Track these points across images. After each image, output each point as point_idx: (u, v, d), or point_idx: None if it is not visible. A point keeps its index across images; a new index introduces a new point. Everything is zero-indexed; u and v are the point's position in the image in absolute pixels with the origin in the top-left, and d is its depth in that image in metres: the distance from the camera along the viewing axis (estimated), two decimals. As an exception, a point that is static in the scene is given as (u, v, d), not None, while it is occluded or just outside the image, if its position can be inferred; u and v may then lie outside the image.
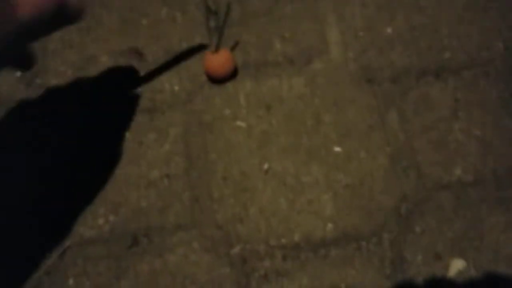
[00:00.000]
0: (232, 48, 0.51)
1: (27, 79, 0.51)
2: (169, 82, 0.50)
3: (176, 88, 0.50)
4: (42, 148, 0.47)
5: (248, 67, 0.51)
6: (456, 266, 0.42)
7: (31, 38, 0.30)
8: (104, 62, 0.52)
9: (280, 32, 0.53)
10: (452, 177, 0.46)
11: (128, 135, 0.48)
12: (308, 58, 0.51)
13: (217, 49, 0.48)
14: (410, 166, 0.46)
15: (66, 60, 0.52)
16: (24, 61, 0.33)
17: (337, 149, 0.47)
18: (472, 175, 0.46)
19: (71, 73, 0.51)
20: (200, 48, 0.52)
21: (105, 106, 0.49)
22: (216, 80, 0.49)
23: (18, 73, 0.51)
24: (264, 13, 0.54)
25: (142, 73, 0.51)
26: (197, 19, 0.54)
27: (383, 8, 0.53)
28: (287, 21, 0.53)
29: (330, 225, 0.44)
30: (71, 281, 0.43)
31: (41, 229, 0.44)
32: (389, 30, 0.52)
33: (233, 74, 0.50)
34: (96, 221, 0.45)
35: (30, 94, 0.50)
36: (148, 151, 0.47)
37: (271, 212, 0.44)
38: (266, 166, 0.46)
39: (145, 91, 0.50)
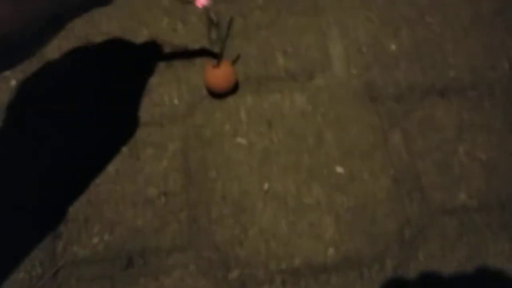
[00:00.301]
0: (234, 62, 0.50)
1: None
2: (168, 94, 0.49)
3: (176, 101, 0.49)
4: (36, 163, 0.45)
5: (250, 81, 0.50)
6: (459, 294, 0.42)
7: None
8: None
9: (283, 46, 0.51)
10: (456, 201, 0.45)
11: (125, 149, 0.46)
12: (310, 73, 0.50)
13: (218, 62, 0.46)
14: (414, 189, 0.45)
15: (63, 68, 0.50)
16: None
17: (340, 169, 0.45)
18: (477, 200, 0.45)
19: (62, 79, 0.49)
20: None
21: (101, 117, 0.47)
22: (217, 94, 0.48)
23: (13, 82, 0.49)
24: (266, 26, 0.52)
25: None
26: (199, 30, 0.52)
27: (388, 24, 0.52)
28: (290, 34, 0.52)
29: (331, 250, 0.42)
30: (63, 302, 0.41)
31: (33, 244, 0.43)
32: (393, 46, 0.51)
33: (234, 88, 0.48)
34: (90, 240, 0.43)
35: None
36: (146, 167, 0.46)
37: (271, 235, 0.43)
38: (266, 185, 0.45)
39: (143, 103, 0.48)
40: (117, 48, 0.51)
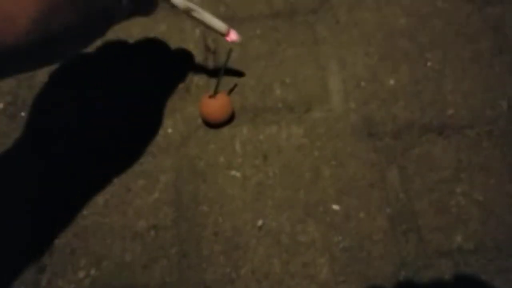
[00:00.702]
0: (230, 92, 0.49)
1: (11, 112, 0.48)
2: (162, 124, 0.48)
3: (170, 130, 0.48)
4: (22, 191, 0.44)
5: (246, 111, 0.49)
6: None
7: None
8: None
9: (281, 77, 0.51)
10: (452, 244, 0.44)
11: (115, 180, 0.45)
12: (308, 105, 0.49)
13: (215, 93, 0.45)
14: (410, 230, 0.44)
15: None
16: None
17: (336, 207, 0.44)
18: (473, 243, 0.44)
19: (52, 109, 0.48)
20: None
21: (91, 145, 0.46)
22: (212, 124, 0.47)
23: (1, 105, 0.48)
24: (265, 56, 0.52)
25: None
26: (195, 57, 0.51)
27: (387, 59, 0.52)
28: (288, 65, 0.51)
29: (325, 292, 0.41)
30: None
31: (16, 276, 0.41)
32: (392, 81, 0.51)
33: (230, 119, 0.47)
34: (76, 274, 0.42)
35: (14, 127, 0.47)
36: (136, 199, 0.45)
37: (264, 274, 0.42)
38: (260, 222, 0.44)
39: (136, 131, 0.47)
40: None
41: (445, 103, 0.50)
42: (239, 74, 0.50)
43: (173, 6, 0.37)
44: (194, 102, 0.49)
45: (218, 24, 0.40)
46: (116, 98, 0.49)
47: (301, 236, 0.44)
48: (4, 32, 0.23)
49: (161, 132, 0.48)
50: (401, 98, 0.50)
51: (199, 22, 0.40)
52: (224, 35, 0.41)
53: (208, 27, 0.41)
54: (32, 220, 0.43)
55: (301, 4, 0.55)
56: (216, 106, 0.46)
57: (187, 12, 0.38)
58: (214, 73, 0.51)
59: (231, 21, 0.54)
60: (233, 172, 0.46)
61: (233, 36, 0.42)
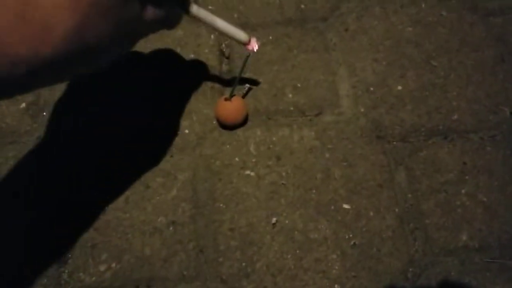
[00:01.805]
0: (244, 95, 0.51)
1: (34, 112, 0.50)
2: (179, 124, 0.50)
3: (187, 131, 0.50)
4: (46, 188, 0.46)
5: (259, 114, 0.51)
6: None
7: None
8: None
9: (293, 81, 0.53)
10: (458, 242, 0.46)
11: (135, 177, 0.47)
12: (319, 109, 0.51)
13: (230, 96, 0.47)
14: (418, 228, 0.46)
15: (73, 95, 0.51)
16: None
17: (346, 206, 0.46)
18: (478, 242, 0.46)
19: (73, 109, 0.50)
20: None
21: (112, 144, 0.48)
22: (227, 126, 0.49)
23: (24, 105, 0.50)
24: (277, 61, 0.54)
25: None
26: (210, 62, 0.54)
27: (394, 65, 0.54)
28: (300, 70, 0.53)
29: (337, 286, 0.43)
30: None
31: (39, 270, 0.44)
32: (399, 87, 0.53)
33: (244, 121, 0.49)
34: (97, 267, 0.43)
35: (36, 126, 0.49)
36: (155, 196, 0.46)
37: (278, 269, 0.44)
38: (274, 219, 0.46)
39: (154, 132, 0.49)
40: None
41: (450, 108, 0.52)
42: (253, 81, 0.52)
43: (194, 18, 0.39)
44: (210, 105, 0.51)
45: (239, 33, 0.42)
46: (135, 101, 0.51)
47: (313, 233, 0.45)
48: (41, 42, 0.24)
49: (178, 133, 0.50)
50: (408, 103, 0.52)
51: (219, 32, 0.41)
52: (245, 44, 0.43)
53: (229, 36, 0.42)
54: (55, 215, 0.45)
55: (312, 12, 0.57)
56: (232, 109, 0.48)
57: (207, 23, 0.40)
58: (228, 77, 0.52)
59: (245, 27, 0.56)
60: (248, 172, 0.48)
61: (254, 44, 0.43)
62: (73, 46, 0.26)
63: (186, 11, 0.37)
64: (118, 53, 0.31)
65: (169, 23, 0.37)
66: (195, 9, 0.37)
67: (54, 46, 0.25)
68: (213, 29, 0.40)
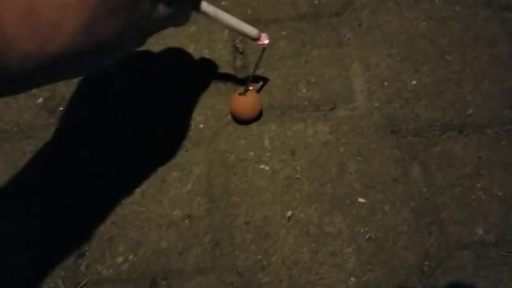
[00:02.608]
0: (259, 90, 0.51)
1: (50, 107, 0.50)
2: (194, 119, 0.50)
3: (201, 126, 0.50)
4: (64, 181, 0.46)
5: (274, 109, 0.51)
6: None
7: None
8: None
9: (306, 77, 0.53)
10: (474, 236, 0.46)
11: (151, 172, 0.47)
12: (333, 104, 0.51)
13: (245, 91, 0.47)
14: (433, 222, 0.46)
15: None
16: None
17: (361, 200, 0.46)
18: (493, 236, 0.46)
19: (90, 104, 0.50)
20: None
21: (128, 139, 0.49)
22: (242, 121, 0.49)
23: (41, 100, 0.51)
24: (290, 56, 0.54)
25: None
26: (224, 57, 0.54)
27: (408, 60, 0.54)
28: (314, 66, 0.54)
29: (353, 279, 0.43)
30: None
31: (57, 262, 0.45)
32: (414, 82, 0.53)
33: (258, 116, 0.50)
34: (114, 259, 0.44)
35: (53, 121, 0.50)
36: (171, 190, 0.47)
37: (293, 262, 0.44)
38: (289, 213, 0.46)
39: (169, 126, 0.49)
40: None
41: (465, 103, 0.52)
42: (266, 77, 0.52)
43: (204, 14, 0.39)
44: (224, 100, 0.51)
45: (249, 29, 0.42)
46: (150, 96, 0.51)
47: (328, 227, 0.45)
48: (49, 39, 0.24)
49: (193, 127, 0.50)
50: (423, 97, 0.52)
51: (230, 28, 0.41)
52: (256, 39, 0.43)
53: (240, 32, 0.42)
54: (73, 208, 0.46)
55: (325, 7, 0.58)
56: (247, 103, 0.48)
57: (218, 19, 0.40)
58: (242, 72, 0.53)
59: (258, 23, 0.56)
60: (263, 166, 0.48)
61: (264, 39, 0.43)
62: (82, 43, 0.26)
63: (196, 7, 0.37)
64: (129, 50, 0.31)
65: (180, 20, 0.37)
66: (205, 5, 0.38)
67: (62, 43, 0.25)
68: (223, 25, 0.40)
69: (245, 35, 0.42)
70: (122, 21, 0.28)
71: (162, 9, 0.32)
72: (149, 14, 0.31)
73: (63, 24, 0.24)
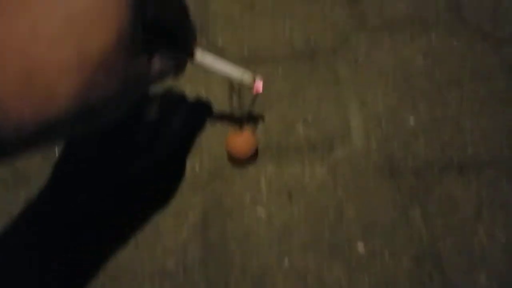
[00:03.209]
0: (255, 130, 0.50)
1: (45, 153, 0.49)
2: (190, 161, 0.49)
3: (197, 168, 0.49)
4: (58, 226, 0.45)
5: (270, 150, 0.50)
6: None
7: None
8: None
9: (303, 115, 0.52)
10: (476, 284, 0.45)
11: (145, 219, 0.46)
12: (330, 144, 0.51)
13: (240, 130, 0.47)
14: (434, 270, 0.45)
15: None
16: None
17: (360, 246, 0.45)
18: (496, 283, 0.44)
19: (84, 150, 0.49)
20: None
21: (122, 184, 0.48)
22: (238, 161, 0.48)
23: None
24: (287, 95, 0.53)
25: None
26: (220, 97, 0.53)
27: (406, 98, 0.53)
28: (310, 104, 0.53)
29: (353, 332, 0.42)
30: None
31: None
32: (411, 120, 0.52)
33: (254, 156, 0.49)
34: (106, 313, 0.42)
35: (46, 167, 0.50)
36: (165, 238, 0.46)
37: (292, 313, 0.42)
38: (286, 260, 0.45)
39: (165, 170, 0.48)
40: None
41: (464, 141, 0.51)
42: (260, 117, 0.51)
43: (200, 65, 0.39)
44: (221, 140, 0.50)
45: (244, 77, 0.42)
46: (144, 138, 0.50)
47: (326, 275, 0.44)
48: (46, 105, 0.24)
49: (189, 170, 0.49)
50: (421, 136, 0.51)
51: (225, 75, 0.41)
52: (250, 86, 0.42)
53: (234, 80, 0.42)
54: (64, 257, 0.44)
55: (321, 44, 0.57)
56: (242, 142, 0.47)
57: (212, 68, 0.39)
58: (238, 111, 0.52)
59: (254, 62, 0.55)
60: (259, 211, 0.47)
61: (259, 85, 0.43)
62: (78, 106, 0.25)
63: (191, 56, 0.37)
64: (125, 107, 0.31)
65: (176, 71, 0.37)
66: (200, 55, 0.37)
67: (59, 108, 0.24)
68: (218, 72, 0.39)
69: (240, 83, 0.41)
70: (120, 81, 0.28)
71: (157, 63, 0.31)
72: (145, 69, 0.30)
73: (59, 89, 0.24)
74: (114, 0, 0.25)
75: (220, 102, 0.53)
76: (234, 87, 0.54)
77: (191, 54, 0.37)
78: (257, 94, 0.44)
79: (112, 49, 0.26)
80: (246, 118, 0.46)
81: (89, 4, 0.24)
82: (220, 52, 0.56)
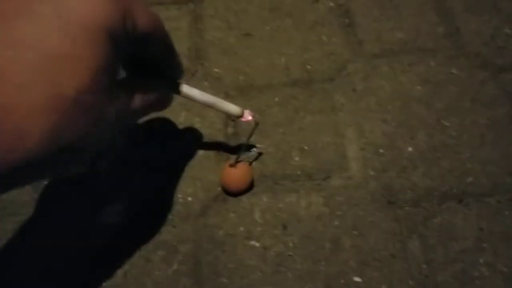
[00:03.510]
0: (251, 162, 0.49)
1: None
2: (182, 192, 0.48)
3: (190, 199, 0.48)
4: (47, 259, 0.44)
5: (265, 179, 0.49)
6: None
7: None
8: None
9: (300, 144, 0.52)
10: (478, 318, 0.42)
11: (134, 251, 0.45)
12: (327, 173, 0.50)
13: (236, 162, 0.46)
14: (434, 303, 0.43)
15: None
16: None
17: (357, 279, 0.44)
18: (500, 318, 0.42)
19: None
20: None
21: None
22: (232, 194, 0.47)
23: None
24: (283, 123, 0.53)
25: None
26: (215, 125, 0.53)
27: (404, 126, 0.52)
28: (307, 133, 0.52)
29: None
30: None
31: None
32: (410, 149, 0.51)
33: (249, 188, 0.48)
34: None
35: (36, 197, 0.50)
36: (155, 270, 0.44)
37: None
38: (280, 294, 0.43)
39: (157, 200, 0.47)
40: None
41: (464, 170, 0.50)
42: (258, 152, 0.51)
43: (186, 97, 0.39)
44: (215, 170, 0.50)
45: (232, 108, 0.42)
46: (137, 167, 0.50)
47: (322, 310, 0.43)
48: (15, 147, 0.23)
49: (181, 200, 0.48)
50: (420, 165, 0.50)
51: (212, 108, 0.41)
52: (239, 117, 0.42)
53: (222, 111, 0.43)
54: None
55: (318, 72, 0.57)
56: (237, 175, 0.47)
57: (200, 101, 0.39)
58: (234, 140, 0.51)
59: (250, 89, 0.55)
60: (253, 242, 0.46)
61: (247, 117, 0.43)
62: (50, 146, 0.24)
63: (177, 91, 0.37)
64: (103, 145, 0.30)
65: (160, 106, 0.36)
66: (186, 88, 0.37)
67: (29, 149, 0.23)
68: (205, 105, 0.39)
69: (228, 114, 0.41)
70: (96, 119, 0.27)
71: (139, 99, 0.31)
72: (125, 107, 0.29)
73: (30, 130, 0.23)
74: (88, 40, 0.25)
75: (215, 130, 0.52)
76: (230, 116, 0.53)
77: (176, 89, 0.37)
78: (255, 128, 0.45)
79: (87, 91, 0.25)
80: (242, 151, 0.45)
81: (60, 46, 0.24)
82: (216, 81, 0.56)
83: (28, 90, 0.23)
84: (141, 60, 0.34)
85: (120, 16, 0.27)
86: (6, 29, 0.23)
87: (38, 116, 0.23)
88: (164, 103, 0.37)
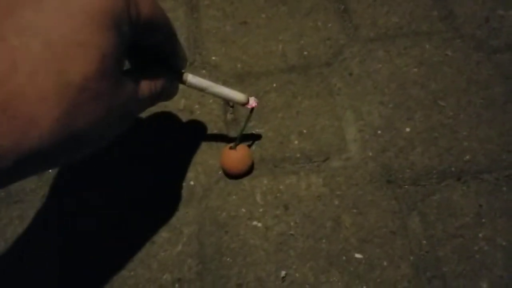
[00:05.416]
0: (250, 144, 0.50)
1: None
2: (185, 176, 0.49)
3: (192, 183, 0.49)
4: (54, 247, 0.45)
5: (265, 163, 0.50)
6: None
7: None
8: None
9: (298, 128, 0.52)
10: (479, 291, 0.43)
11: (140, 233, 0.45)
12: (326, 155, 0.50)
13: (236, 145, 0.47)
14: (435, 277, 0.44)
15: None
16: None
17: (358, 256, 0.44)
18: (500, 289, 0.43)
19: (78, 167, 0.49)
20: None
21: (116, 200, 0.48)
22: (233, 176, 0.48)
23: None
24: (282, 108, 0.53)
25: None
26: (215, 112, 0.53)
27: (401, 107, 0.53)
28: (305, 117, 0.53)
29: None
30: None
31: None
32: (407, 129, 0.52)
33: (250, 170, 0.48)
34: (101, 330, 0.41)
35: (41, 185, 0.50)
36: (160, 252, 0.45)
37: (289, 326, 0.41)
38: (283, 272, 0.44)
39: (159, 184, 0.48)
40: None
41: (461, 149, 0.51)
42: (256, 135, 0.52)
43: (191, 86, 0.40)
44: (215, 155, 0.50)
45: (237, 95, 0.43)
46: (139, 154, 0.50)
47: (325, 286, 0.43)
48: (27, 134, 0.23)
49: (184, 185, 0.49)
50: (418, 145, 0.51)
51: (218, 96, 0.42)
52: (244, 104, 0.43)
53: (228, 99, 0.44)
54: (58, 274, 0.44)
55: (315, 58, 0.57)
56: (237, 158, 0.47)
57: (205, 90, 0.40)
58: (233, 126, 0.52)
59: (248, 76, 0.56)
60: (255, 223, 0.47)
61: (252, 103, 0.44)
62: (61, 134, 0.25)
63: (182, 81, 0.37)
64: (113, 135, 0.30)
65: (166, 95, 0.37)
66: (190, 77, 0.38)
67: (40, 137, 0.24)
68: (211, 94, 0.40)
69: (233, 101, 0.42)
70: (104, 108, 0.27)
71: (147, 88, 0.31)
72: (133, 95, 0.30)
73: (40, 117, 0.24)
74: (94, 27, 0.25)
75: (215, 117, 0.53)
76: (229, 102, 0.54)
77: (181, 78, 0.38)
78: (252, 112, 0.46)
79: (95, 77, 0.26)
80: (241, 135, 0.46)
81: (67, 33, 0.24)
82: (213, 69, 0.57)
83: (37, 78, 0.23)
84: (145, 50, 0.35)
85: (125, 3, 0.27)
86: (14, 18, 0.23)
87: (48, 103, 0.24)
88: (170, 92, 0.37)
